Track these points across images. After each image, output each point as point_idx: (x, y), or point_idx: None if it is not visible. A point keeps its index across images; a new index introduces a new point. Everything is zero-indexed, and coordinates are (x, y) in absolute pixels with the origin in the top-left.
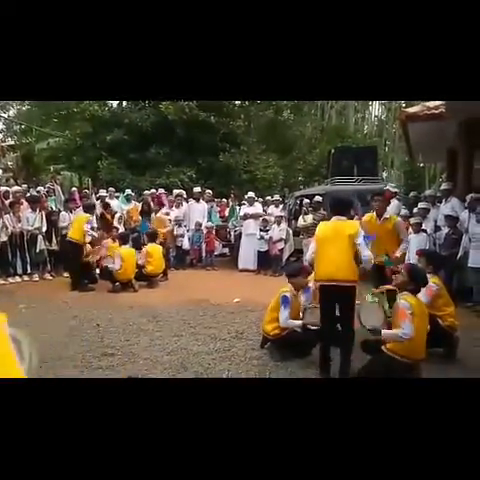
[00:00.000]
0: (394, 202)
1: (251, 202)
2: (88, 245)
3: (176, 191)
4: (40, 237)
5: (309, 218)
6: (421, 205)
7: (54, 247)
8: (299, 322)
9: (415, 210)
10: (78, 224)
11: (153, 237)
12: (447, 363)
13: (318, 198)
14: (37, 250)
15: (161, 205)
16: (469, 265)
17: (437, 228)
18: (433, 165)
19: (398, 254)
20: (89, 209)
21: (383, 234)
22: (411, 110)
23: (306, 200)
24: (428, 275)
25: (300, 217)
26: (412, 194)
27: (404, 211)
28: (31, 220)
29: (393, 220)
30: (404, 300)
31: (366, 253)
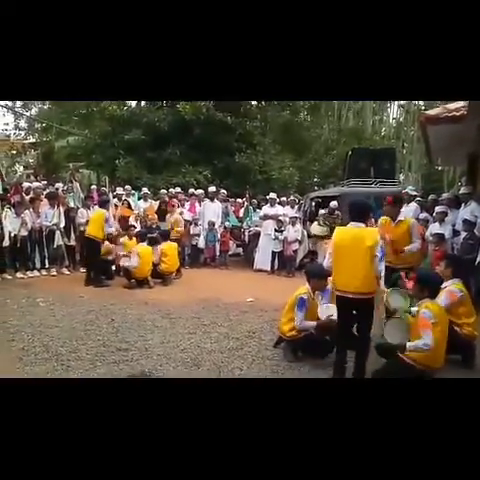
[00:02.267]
0: (412, 205)
1: (273, 203)
2: (107, 242)
3: (197, 191)
4: (58, 233)
5: (324, 229)
6: (438, 209)
7: (72, 243)
8: (314, 323)
9: (433, 214)
10: (95, 220)
11: (166, 236)
12: (465, 372)
13: (333, 204)
14: (55, 245)
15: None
16: None
17: (456, 233)
18: (452, 168)
19: (406, 249)
20: (104, 204)
21: (398, 236)
22: (431, 112)
23: (322, 211)
24: (451, 280)
25: (314, 224)
26: (431, 197)
27: (423, 215)
28: (49, 216)
29: (408, 222)
30: (426, 309)
31: (381, 268)
